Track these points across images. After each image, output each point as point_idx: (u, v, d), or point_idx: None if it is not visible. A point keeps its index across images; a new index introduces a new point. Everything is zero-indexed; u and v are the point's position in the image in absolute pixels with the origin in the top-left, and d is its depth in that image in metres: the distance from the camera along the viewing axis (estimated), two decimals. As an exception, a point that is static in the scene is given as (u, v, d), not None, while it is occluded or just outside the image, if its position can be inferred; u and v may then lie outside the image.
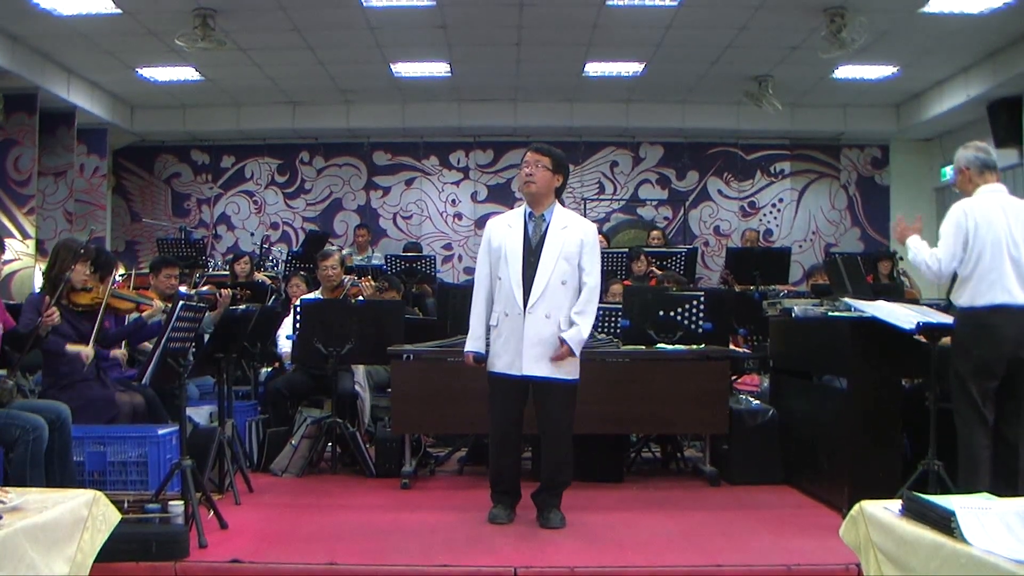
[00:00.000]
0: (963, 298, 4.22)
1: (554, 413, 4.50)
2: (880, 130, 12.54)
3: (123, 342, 5.51)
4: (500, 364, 4.49)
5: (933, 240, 4.42)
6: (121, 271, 8.25)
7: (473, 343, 4.62)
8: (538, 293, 4.44)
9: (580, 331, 4.47)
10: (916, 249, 4.37)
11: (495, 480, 4.65)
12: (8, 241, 9.81)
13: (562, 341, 4.42)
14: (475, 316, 4.63)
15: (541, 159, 4.55)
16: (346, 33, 9.37)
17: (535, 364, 4.43)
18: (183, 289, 6.50)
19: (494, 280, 4.56)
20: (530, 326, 4.42)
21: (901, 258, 9.55)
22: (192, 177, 13.16)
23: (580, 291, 4.51)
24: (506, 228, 4.59)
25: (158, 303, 5.42)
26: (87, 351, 4.88)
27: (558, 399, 4.50)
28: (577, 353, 4.49)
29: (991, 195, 4.26)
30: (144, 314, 5.34)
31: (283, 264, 10.43)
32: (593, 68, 10.69)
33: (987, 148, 4.39)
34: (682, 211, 13.01)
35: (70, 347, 4.87)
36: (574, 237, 4.54)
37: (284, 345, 6.39)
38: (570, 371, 4.50)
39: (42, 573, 2.41)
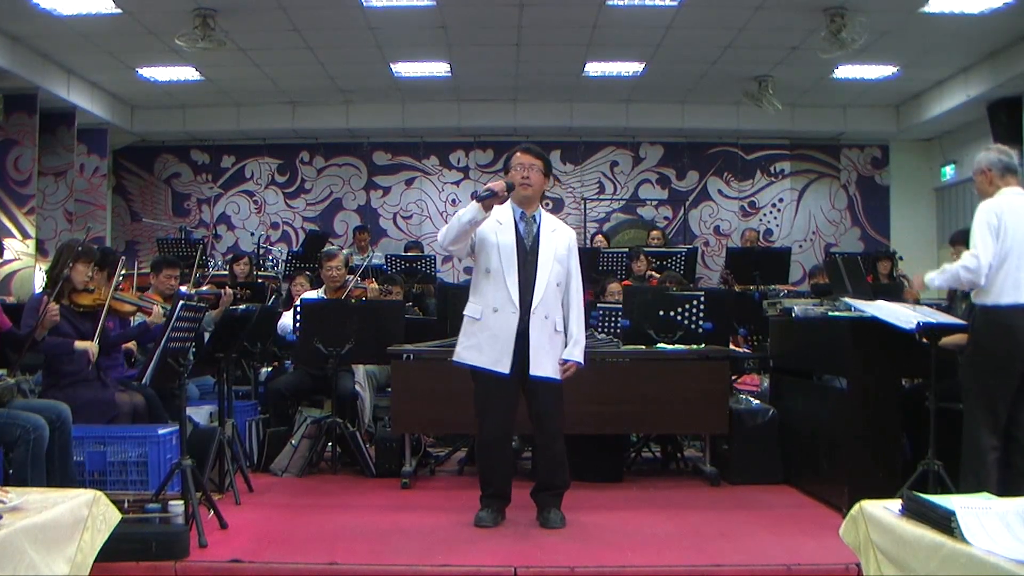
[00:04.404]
0: (987, 297, 4.18)
1: (550, 412, 4.52)
2: (880, 130, 12.55)
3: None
4: (483, 359, 4.47)
5: (932, 240, 4.40)
6: (122, 271, 8.25)
7: (471, 210, 4.32)
8: (539, 295, 4.46)
9: (583, 343, 4.61)
10: (940, 270, 4.34)
11: (486, 482, 4.62)
12: (8, 241, 9.85)
13: (576, 363, 4.54)
14: (455, 218, 4.44)
15: (535, 162, 4.57)
16: (346, 33, 9.37)
17: (538, 365, 4.44)
18: (184, 288, 6.50)
19: (481, 271, 4.56)
20: (533, 328, 4.44)
21: (901, 258, 9.57)
22: (192, 177, 13.17)
23: (566, 297, 4.58)
24: (496, 223, 4.54)
25: (158, 308, 5.42)
26: (92, 347, 4.89)
27: (555, 398, 4.53)
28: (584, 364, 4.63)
29: (1016, 197, 4.25)
30: (148, 318, 5.36)
31: (283, 264, 10.44)
32: (593, 68, 10.69)
33: (1009, 151, 4.37)
34: (682, 211, 13.01)
35: (78, 344, 4.87)
36: (563, 240, 4.61)
37: (286, 323, 6.38)
38: (558, 371, 4.56)
39: (42, 573, 2.40)
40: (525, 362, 4.43)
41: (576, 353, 4.56)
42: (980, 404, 4.17)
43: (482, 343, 4.48)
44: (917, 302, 4.74)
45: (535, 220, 4.59)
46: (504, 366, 4.42)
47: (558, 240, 4.58)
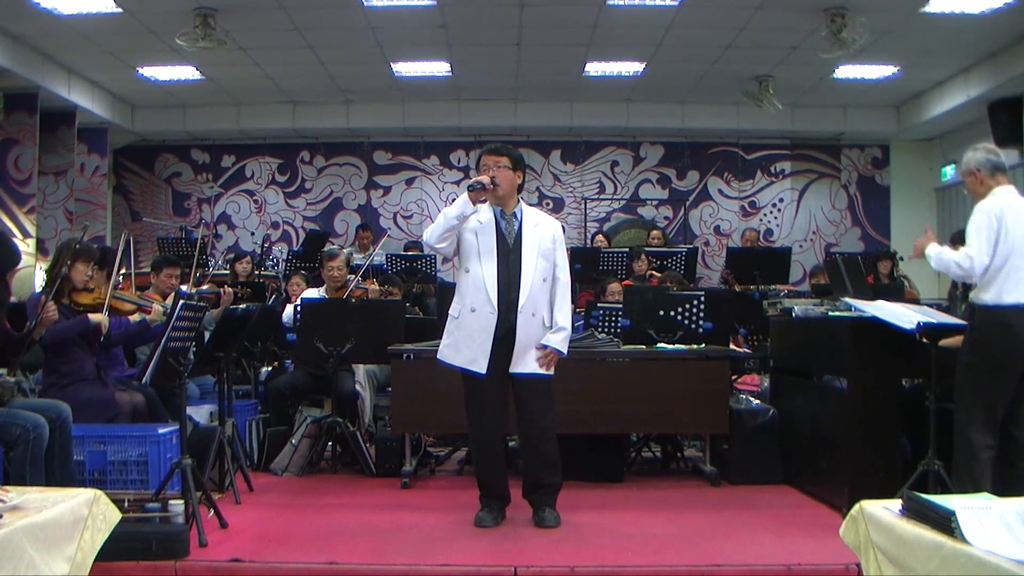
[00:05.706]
0: (988, 296, 4.18)
1: (539, 410, 4.50)
2: (880, 130, 12.54)
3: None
4: (459, 358, 4.49)
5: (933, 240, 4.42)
6: (122, 271, 8.25)
7: (460, 203, 4.42)
8: (526, 293, 4.45)
9: (567, 332, 4.55)
10: (938, 252, 4.32)
11: (483, 483, 4.62)
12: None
13: (555, 350, 4.48)
14: (441, 215, 4.50)
15: (500, 159, 4.55)
16: (346, 33, 9.37)
17: (523, 363, 4.45)
18: (184, 288, 6.50)
19: (461, 271, 4.56)
20: (521, 326, 4.43)
21: (902, 258, 9.55)
22: (192, 176, 13.17)
23: (552, 288, 4.55)
24: (476, 223, 4.53)
25: (158, 307, 5.42)
26: (104, 320, 5.00)
27: (543, 396, 4.51)
28: (566, 353, 4.56)
29: (1012, 196, 4.25)
30: (148, 317, 5.36)
31: (283, 264, 10.44)
32: (593, 68, 10.68)
33: (996, 150, 4.38)
34: (682, 211, 13.01)
35: (92, 316, 4.94)
36: (547, 234, 4.58)
37: (291, 312, 6.40)
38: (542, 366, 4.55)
39: (42, 573, 2.40)
40: (511, 361, 4.44)
41: (555, 340, 4.48)
42: (977, 403, 4.18)
43: (459, 342, 4.50)
44: (916, 302, 4.75)
45: (516, 217, 4.57)
46: (480, 366, 4.42)
47: (542, 234, 4.56)
